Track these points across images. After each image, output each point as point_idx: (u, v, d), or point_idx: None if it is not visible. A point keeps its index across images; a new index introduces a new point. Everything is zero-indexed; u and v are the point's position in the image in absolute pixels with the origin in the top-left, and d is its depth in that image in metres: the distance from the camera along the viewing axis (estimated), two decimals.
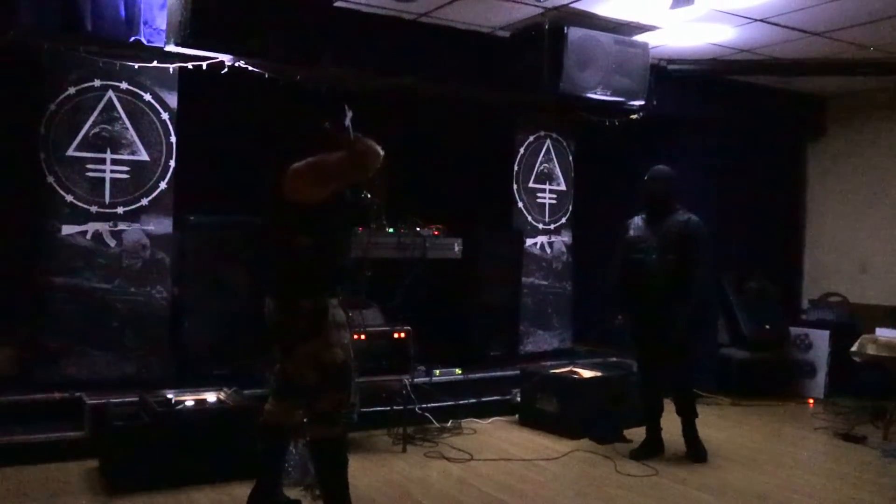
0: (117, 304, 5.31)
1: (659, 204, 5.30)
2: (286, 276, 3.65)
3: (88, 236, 5.25)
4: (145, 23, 5.08)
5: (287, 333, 3.66)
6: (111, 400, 4.83)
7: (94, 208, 5.26)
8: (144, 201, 5.41)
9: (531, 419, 6.07)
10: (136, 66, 5.31)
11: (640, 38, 6.42)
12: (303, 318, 3.58)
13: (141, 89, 5.39)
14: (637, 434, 5.62)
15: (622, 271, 5.40)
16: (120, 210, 5.34)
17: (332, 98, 3.87)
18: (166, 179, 5.48)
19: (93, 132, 5.26)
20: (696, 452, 5.31)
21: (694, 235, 5.19)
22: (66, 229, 5.19)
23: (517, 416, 6.23)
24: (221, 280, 5.58)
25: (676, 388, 5.43)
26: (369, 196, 3.94)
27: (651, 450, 5.36)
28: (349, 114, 3.63)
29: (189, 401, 4.76)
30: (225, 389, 4.96)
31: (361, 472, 4.64)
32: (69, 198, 5.19)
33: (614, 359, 7.07)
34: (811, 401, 7.36)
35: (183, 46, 4.91)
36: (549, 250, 7.39)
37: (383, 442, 5.48)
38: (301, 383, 3.67)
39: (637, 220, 5.42)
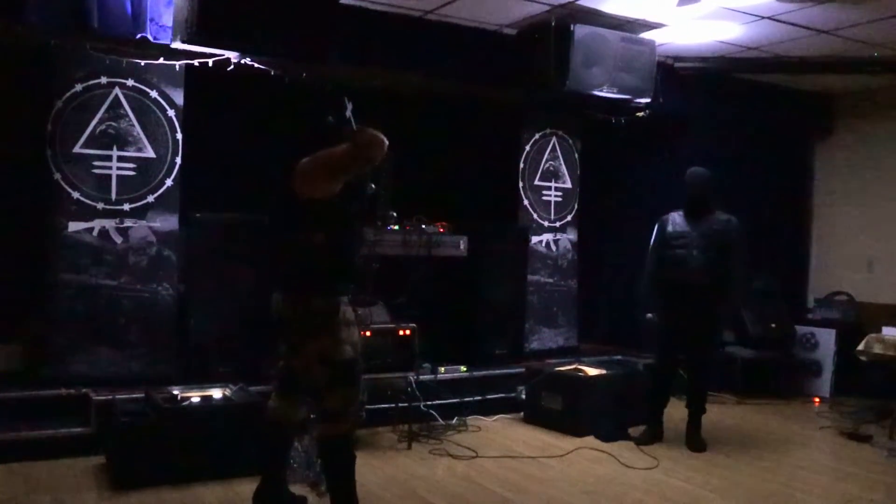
0: (123, 301, 5.32)
1: (699, 203, 5.48)
2: (298, 272, 3.64)
3: (95, 233, 5.27)
4: (151, 20, 5.10)
5: (296, 330, 3.66)
6: (117, 396, 4.84)
7: (100, 205, 5.28)
8: (151, 198, 5.42)
9: (536, 417, 6.07)
10: (143, 63, 5.32)
11: (646, 35, 6.40)
12: (314, 314, 3.58)
13: (147, 86, 5.39)
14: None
15: (659, 265, 5.54)
16: (126, 207, 5.35)
17: (335, 94, 3.88)
18: (172, 176, 5.48)
19: (99, 129, 5.27)
20: (695, 443, 5.51)
21: (736, 235, 5.42)
22: (73, 226, 5.21)
23: (522, 413, 6.24)
24: (227, 277, 5.58)
25: (695, 383, 5.61)
26: (374, 186, 3.94)
27: (653, 436, 5.59)
28: (349, 105, 3.64)
29: (195, 397, 4.76)
30: (231, 386, 4.97)
31: (367, 469, 4.64)
32: (76, 195, 5.21)
33: (619, 357, 7.06)
34: (817, 400, 7.35)
35: (189, 43, 4.91)
36: (554, 248, 7.39)
37: (388, 439, 5.48)
38: (309, 380, 3.68)
39: (676, 217, 5.58)
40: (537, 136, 7.27)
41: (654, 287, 5.57)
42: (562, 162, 7.43)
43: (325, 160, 3.55)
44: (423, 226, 6.15)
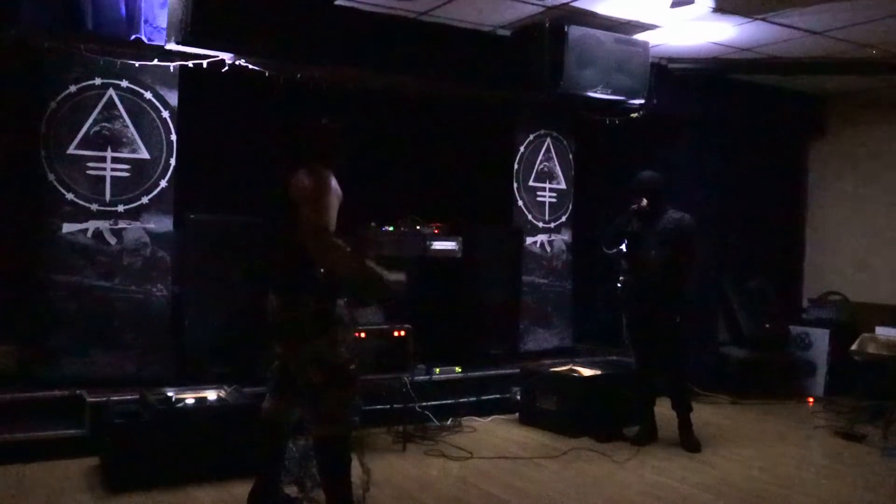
0: (118, 303, 5.31)
1: (651, 204, 5.52)
2: (292, 274, 3.64)
3: (89, 234, 5.26)
4: (146, 21, 5.09)
5: (291, 331, 3.66)
6: (112, 398, 4.83)
7: (94, 206, 5.27)
8: (145, 199, 5.41)
9: (531, 417, 6.07)
10: (137, 64, 5.32)
11: (640, 36, 6.42)
12: (308, 316, 3.58)
13: (141, 87, 5.39)
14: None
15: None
16: (120, 208, 5.34)
17: (336, 111, 3.87)
18: (167, 178, 5.48)
19: (93, 130, 5.26)
20: (690, 444, 5.53)
21: (689, 232, 5.48)
22: (67, 227, 5.20)
23: (517, 414, 6.24)
24: (222, 278, 5.58)
25: (671, 384, 5.66)
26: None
27: (647, 435, 5.64)
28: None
29: (189, 399, 4.76)
30: (225, 387, 4.97)
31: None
32: (70, 196, 5.20)
33: (614, 357, 7.07)
34: (811, 399, 7.37)
35: (183, 45, 4.91)
36: (549, 249, 7.39)
37: (383, 440, 5.48)
38: (304, 382, 3.67)
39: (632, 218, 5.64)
40: (532, 137, 7.28)
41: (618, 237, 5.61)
42: (556, 163, 7.44)
43: (317, 209, 3.50)
44: (418, 226, 6.16)
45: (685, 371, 5.73)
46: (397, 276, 3.63)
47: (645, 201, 5.48)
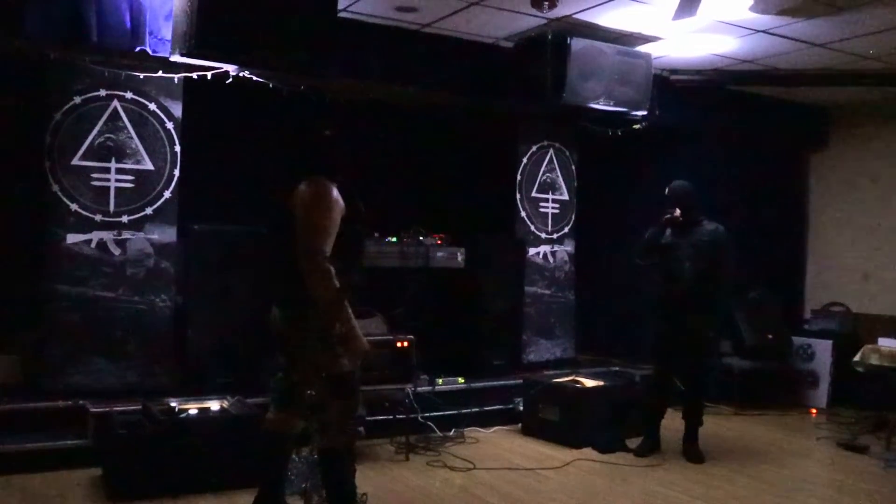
0: (121, 313, 5.32)
1: (685, 215, 5.46)
2: (295, 286, 3.65)
3: (93, 245, 5.27)
4: (150, 33, 5.12)
5: (294, 343, 3.67)
6: (115, 408, 4.83)
7: (98, 217, 5.29)
8: (149, 210, 5.43)
9: (533, 428, 6.07)
10: (142, 75, 5.34)
11: (642, 48, 6.45)
12: (311, 328, 3.59)
13: (146, 99, 5.41)
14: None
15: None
16: (124, 219, 5.36)
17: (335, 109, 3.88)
18: (171, 188, 5.50)
19: (98, 141, 5.28)
20: (693, 455, 5.51)
21: (724, 244, 5.43)
22: (71, 238, 5.22)
23: (520, 425, 6.23)
24: (225, 289, 5.59)
25: (691, 394, 5.62)
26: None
27: (650, 447, 5.61)
28: None
29: (192, 409, 4.76)
30: (228, 398, 4.97)
31: (364, 480, 4.61)
32: (74, 206, 5.22)
33: (616, 368, 7.07)
34: (813, 411, 7.35)
35: (188, 56, 4.92)
36: (551, 260, 7.40)
37: (386, 451, 5.48)
38: (308, 393, 3.68)
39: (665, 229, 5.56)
40: (534, 148, 7.30)
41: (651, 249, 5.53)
42: (559, 174, 7.46)
43: (312, 224, 3.53)
44: (421, 237, 6.17)
45: (707, 385, 5.69)
46: (363, 343, 3.62)
47: (678, 211, 5.43)
